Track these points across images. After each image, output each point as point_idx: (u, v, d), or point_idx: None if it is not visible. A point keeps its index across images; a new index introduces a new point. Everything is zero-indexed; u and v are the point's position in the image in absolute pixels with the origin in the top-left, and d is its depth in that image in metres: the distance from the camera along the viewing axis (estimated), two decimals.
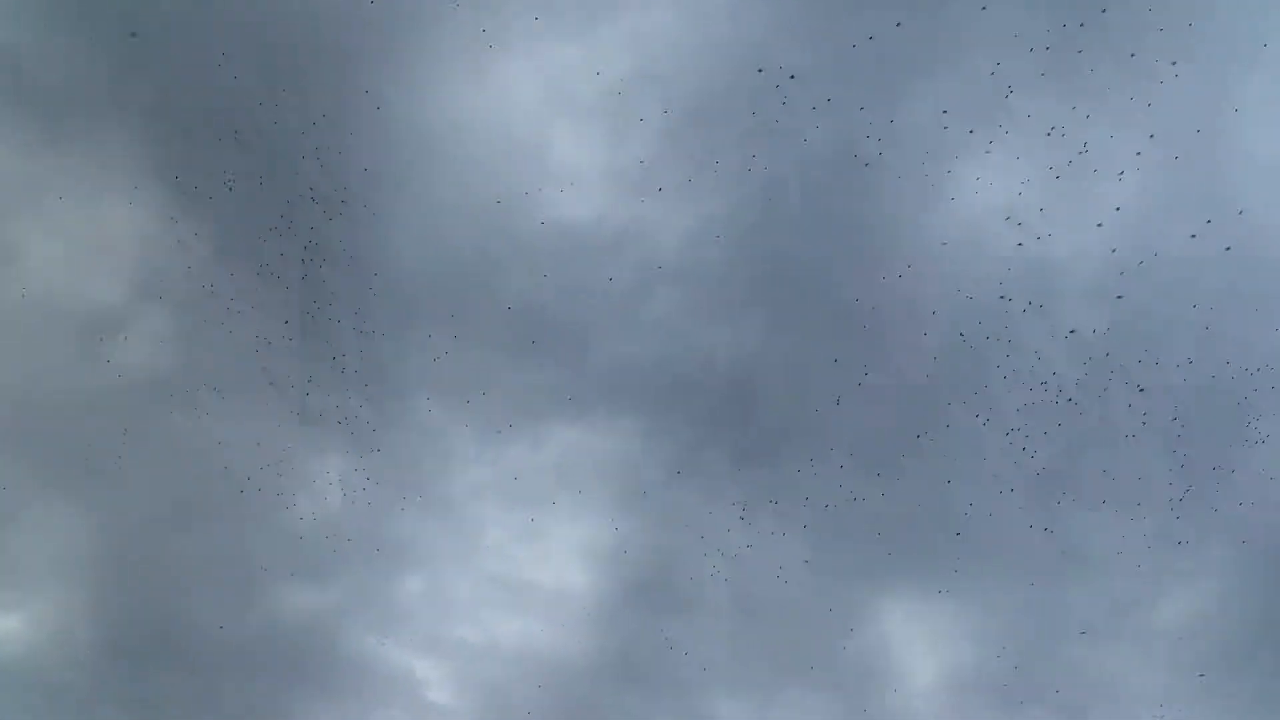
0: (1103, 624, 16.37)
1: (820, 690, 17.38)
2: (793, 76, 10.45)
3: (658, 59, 10.89)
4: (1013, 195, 11.73)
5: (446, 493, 14.06)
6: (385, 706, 15.44)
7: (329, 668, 15.63)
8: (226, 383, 12.51)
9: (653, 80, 11.14)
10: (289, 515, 13.80)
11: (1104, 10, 10.38)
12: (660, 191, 11.03)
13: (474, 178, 11.06)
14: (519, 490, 14.28)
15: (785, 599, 16.65)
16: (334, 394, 12.41)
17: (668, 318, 12.89)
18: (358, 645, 15.36)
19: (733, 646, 16.52)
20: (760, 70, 10.45)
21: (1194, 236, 10.92)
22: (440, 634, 15.20)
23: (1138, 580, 16.50)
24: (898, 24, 9.67)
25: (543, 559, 15.09)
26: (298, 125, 10.57)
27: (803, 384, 14.82)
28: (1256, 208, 12.71)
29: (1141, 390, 14.42)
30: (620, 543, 15.41)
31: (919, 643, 17.69)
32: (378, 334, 11.51)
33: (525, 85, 11.41)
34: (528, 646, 15.02)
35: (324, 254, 10.93)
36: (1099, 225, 11.39)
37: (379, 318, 11.79)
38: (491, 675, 14.93)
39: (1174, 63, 10.62)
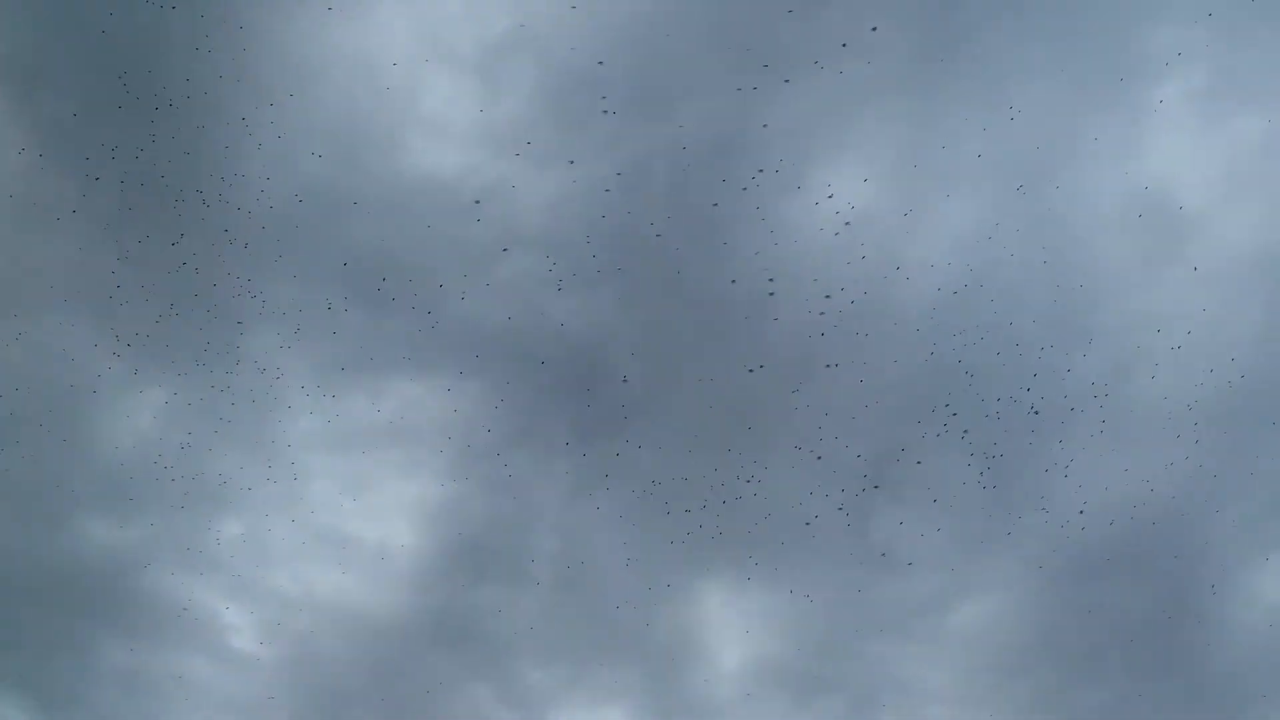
0: (902, 622, 17.25)
1: (630, 665, 17.70)
2: (670, 62, 10.54)
3: (540, 19, 10.80)
4: (862, 200, 12.15)
5: (274, 436, 13.67)
6: (188, 650, 14.93)
7: (132, 606, 14.99)
8: (40, 298, 11.82)
9: (532, 41, 11.05)
10: (100, 443, 13.16)
11: (969, 34, 10.86)
12: (527, 152, 10.97)
13: (334, 113, 10.75)
14: (351, 441, 14.00)
15: (606, 574, 16.87)
16: (160, 319, 11.88)
17: (521, 282, 12.84)
18: (164, 585, 14.78)
19: (549, 617, 16.65)
20: (642, 45, 10.51)
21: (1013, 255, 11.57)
22: (253, 581, 14.77)
23: (939, 583, 17.43)
24: (789, 10, 9.86)
25: (368, 514, 14.83)
26: (152, 32, 10.04)
27: (649, 364, 15.01)
28: (1086, 240, 13.55)
29: (955, 413, 15.22)
30: (449, 505, 15.29)
31: (728, 627, 18.22)
32: (213, 261, 11.06)
33: (401, 28, 11.15)
34: (343, 600, 14.75)
35: (159, 170, 10.42)
36: (935, 241, 11.94)
37: (216, 244, 11.34)
38: (301, 627, 14.61)
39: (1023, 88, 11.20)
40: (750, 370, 14.99)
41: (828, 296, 13.15)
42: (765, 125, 11.50)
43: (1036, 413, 16.07)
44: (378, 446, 14.26)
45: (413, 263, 12.61)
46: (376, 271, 12.44)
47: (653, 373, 15.55)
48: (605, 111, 11.34)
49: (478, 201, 11.77)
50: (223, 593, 14.84)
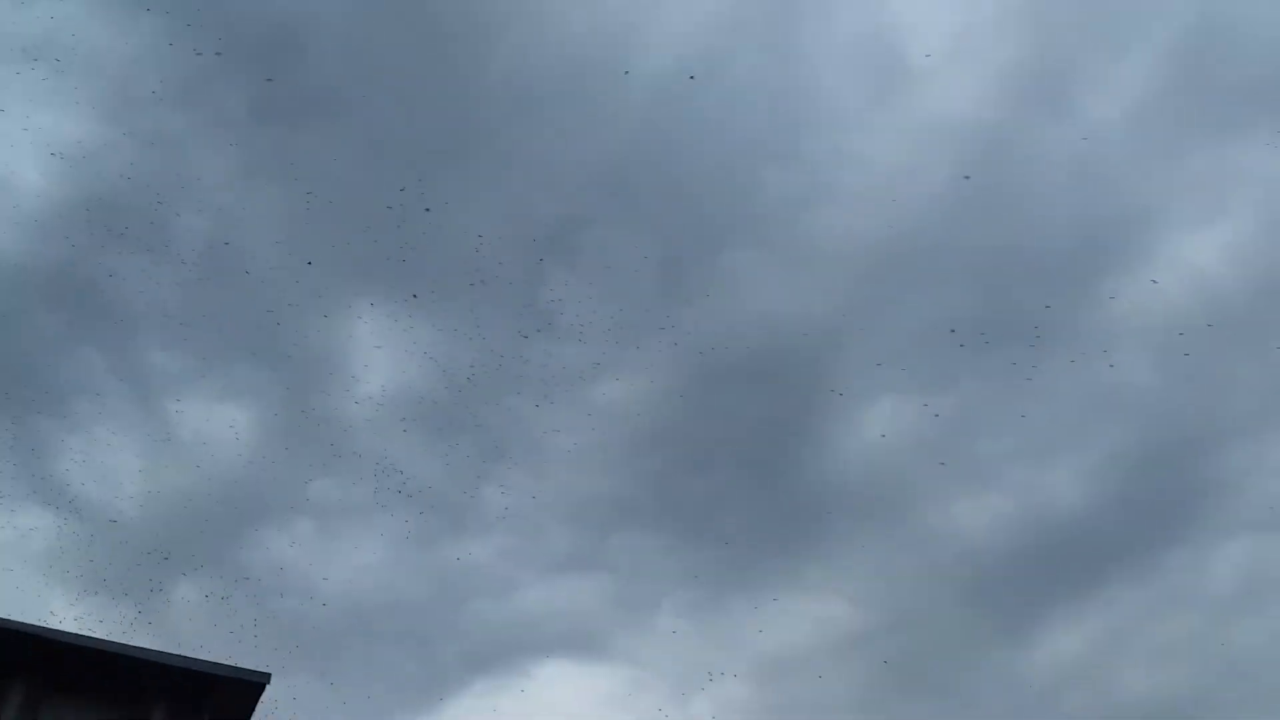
0: (550, 385, 17.60)
1: (267, 369, 16.88)
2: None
3: None
4: None
5: None
6: None
7: None
8: None
9: None
10: None
11: None
12: None
13: None
14: None
15: (260, 271, 15.74)
16: None
17: None
18: None
19: (188, 300, 15.41)
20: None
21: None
22: None
23: (592, 356, 17.84)
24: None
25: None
26: None
27: (351, 53, 13.75)
28: (818, 70, 13.49)
29: (647, 196, 15.13)
30: (93, 149, 13.53)
31: (379, 352, 17.71)
32: None
33: None
34: None
35: None
36: None
37: None
38: None
39: None
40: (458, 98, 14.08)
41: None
42: None
43: (728, 225, 16.43)
44: (15, 59, 12.18)
45: None
46: None
47: (354, 69, 14.23)
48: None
49: None
50: None
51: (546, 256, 16.25)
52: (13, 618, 5.90)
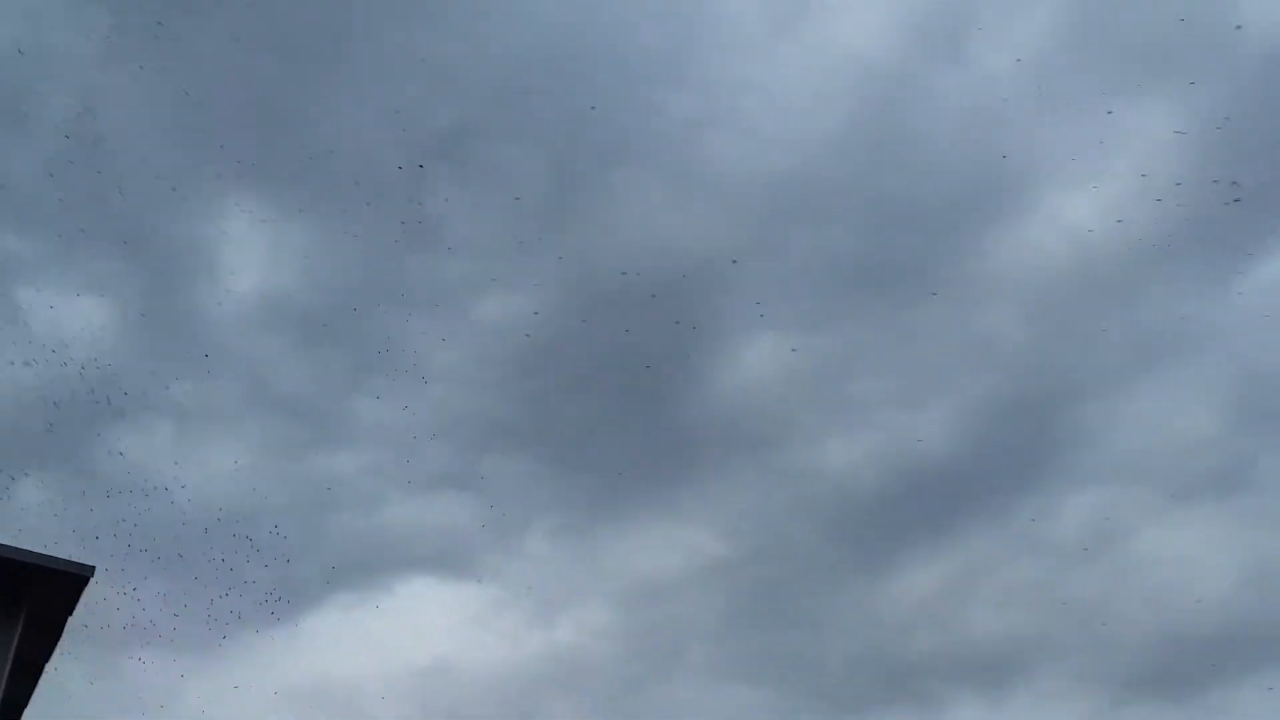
0: (431, 297, 17.13)
1: (127, 260, 16.01)
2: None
3: None
4: None
5: None
6: None
7: None
8: None
9: None
10: None
11: None
12: None
13: None
14: None
15: (130, 157, 14.86)
16: None
17: None
18: None
19: (48, 181, 14.47)
20: None
21: None
22: None
23: (476, 270, 17.41)
24: None
25: None
26: None
27: None
28: None
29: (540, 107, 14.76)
30: None
31: (252, 251, 16.91)
32: None
33: None
34: None
35: None
36: None
37: None
38: None
39: None
40: None
41: None
42: None
43: (621, 143, 16.12)
44: None
45: None
46: None
47: None
48: None
49: None
50: None
51: (433, 164, 15.69)
52: None
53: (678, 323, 18.14)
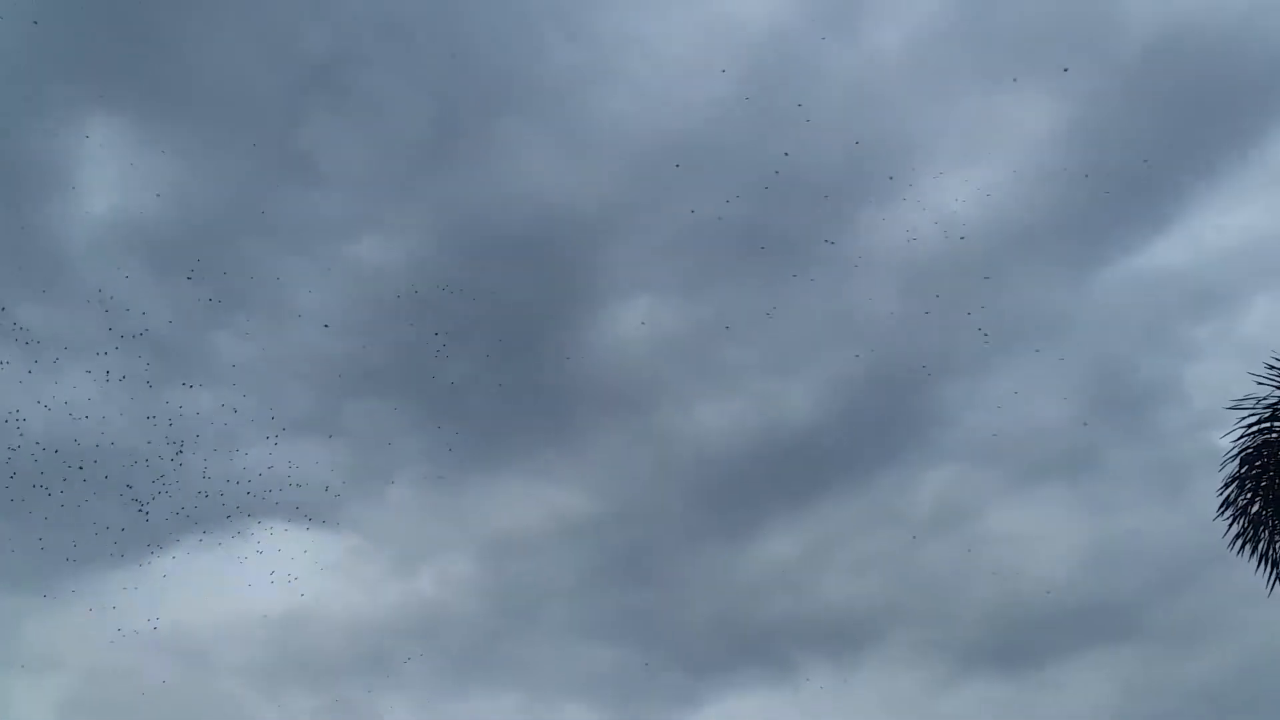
0: (302, 235, 16.51)
1: None
2: None
3: None
4: None
5: None
6: None
7: None
8: None
9: None
10: None
11: None
12: None
13: None
14: None
15: None
16: None
17: None
18: None
19: None
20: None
21: None
22: None
23: (354, 209, 16.82)
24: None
25: None
26: None
27: None
28: None
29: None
30: None
31: (107, 168, 16.09)
32: None
33: None
34: None
35: None
36: None
37: None
38: None
39: None
40: None
41: None
42: None
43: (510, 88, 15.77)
44: None
45: None
46: None
47: None
48: None
49: None
50: None
51: (310, 94, 15.14)
52: None
53: (555, 279, 17.99)
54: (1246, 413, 8.91)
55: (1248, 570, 9.25)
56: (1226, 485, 9.22)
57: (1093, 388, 20.80)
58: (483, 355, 18.82)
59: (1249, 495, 9.14)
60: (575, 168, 16.95)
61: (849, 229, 17.83)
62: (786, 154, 15.25)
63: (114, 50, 13.67)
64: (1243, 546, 9.30)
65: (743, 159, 16.93)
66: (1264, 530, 9.13)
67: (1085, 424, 20.08)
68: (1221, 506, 9.24)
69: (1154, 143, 18.52)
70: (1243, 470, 9.10)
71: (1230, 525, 9.27)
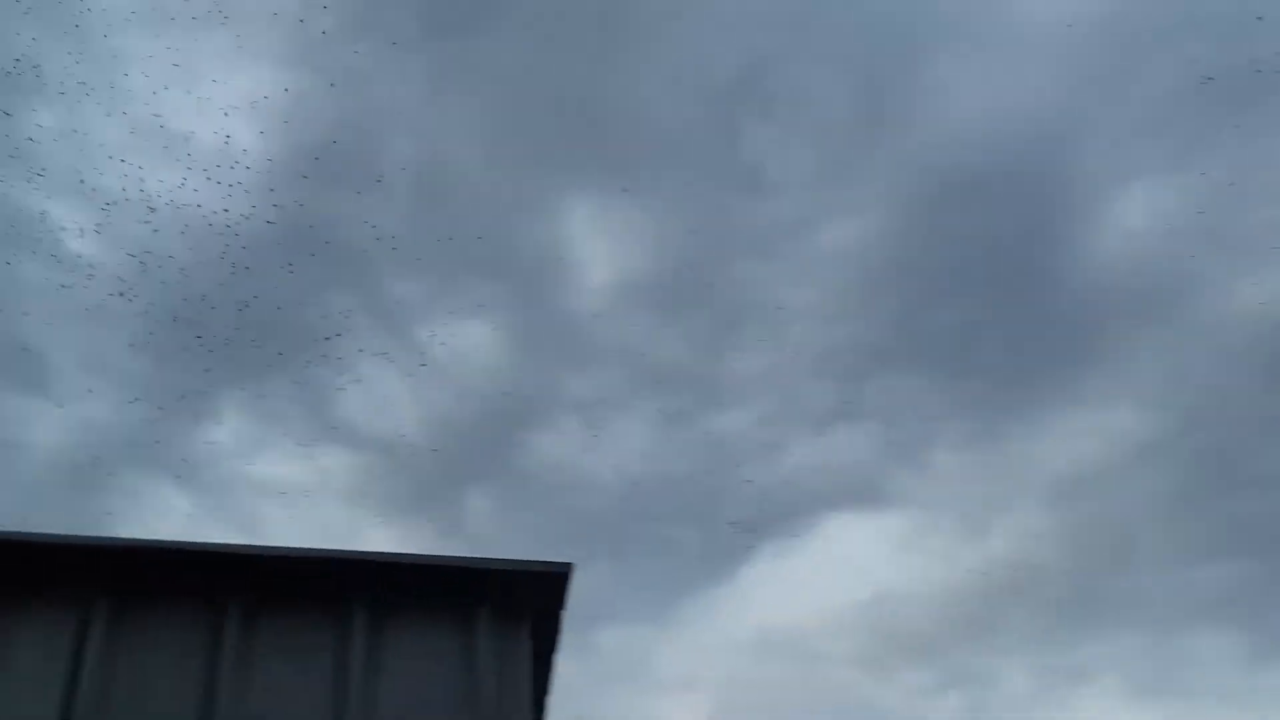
0: (769, 242, 17.20)
1: (495, 279, 17.40)
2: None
3: None
4: None
5: (77, 9, 11.91)
6: (13, 250, 13.81)
7: None
8: None
9: None
10: None
11: None
12: None
13: None
14: (168, 17, 12.32)
15: (466, 183, 16.04)
16: None
17: None
18: None
19: (410, 227, 15.95)
20: None
21: None
22: (78, 176, 13.47)
23: (807, 204, 17.26)
24: None
25: (197, 107, 13.40)
26: None
27: None
28: None
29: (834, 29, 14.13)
30: (291, 103, 13.93)
31: (595, 242, 17.93)
32: None
33: None
34: (184, 202, 13.61)
35: None
36: None
37: None
38: (141, 232, 13.57)
39: None
40: None
41: None
42: None
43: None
44: (199, 26, 12.63)
45: None
46: None
47: None
48: None
49: None
50: (46, 190, 13.59)
51: (738, 109, 15.61)
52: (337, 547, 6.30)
53: (1030, 197, 16.94)
54: None
55: None
56: None
57: None
58: (979, 299, 18.16)
59: None
60: (1016, 75, 15.82)
61: None
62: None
63: (564, 128, 14.97)
64: None
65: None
66: None
67: None
68: None
69: None
70: None
71: None
